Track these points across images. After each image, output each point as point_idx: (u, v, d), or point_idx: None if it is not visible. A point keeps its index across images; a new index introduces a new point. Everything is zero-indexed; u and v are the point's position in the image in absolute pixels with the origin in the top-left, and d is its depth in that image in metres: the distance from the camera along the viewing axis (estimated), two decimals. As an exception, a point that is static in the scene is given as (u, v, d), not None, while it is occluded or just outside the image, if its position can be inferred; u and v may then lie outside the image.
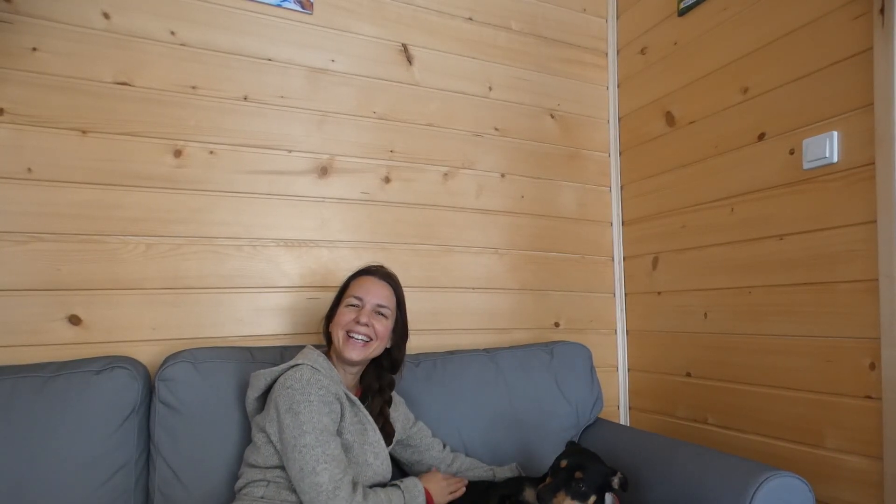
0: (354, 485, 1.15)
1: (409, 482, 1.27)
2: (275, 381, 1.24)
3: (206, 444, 1.33)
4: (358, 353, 1.29)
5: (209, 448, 1.33)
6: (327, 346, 1.37)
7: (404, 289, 1.42)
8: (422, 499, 1.26)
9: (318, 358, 1.27)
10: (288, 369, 1.22)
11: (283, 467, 1.18)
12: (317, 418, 1.14)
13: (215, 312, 1.60)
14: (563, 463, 1.24)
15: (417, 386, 1.57)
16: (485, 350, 1.78)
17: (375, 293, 1.33)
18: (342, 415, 1.23)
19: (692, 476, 1.34)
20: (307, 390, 1.16)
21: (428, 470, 1.44)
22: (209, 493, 1.31)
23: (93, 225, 1.49)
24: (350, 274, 1.40)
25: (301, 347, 1.40)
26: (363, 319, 1.29)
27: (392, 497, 1.20)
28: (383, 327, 1.33)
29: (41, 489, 1.19)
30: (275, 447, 1.19)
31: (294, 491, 1.16)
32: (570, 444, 1.38)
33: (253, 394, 1.27)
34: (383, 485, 1.29)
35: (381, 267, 1.41)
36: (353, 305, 1.32)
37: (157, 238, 1.55)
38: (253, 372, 1.30)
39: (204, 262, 1.60)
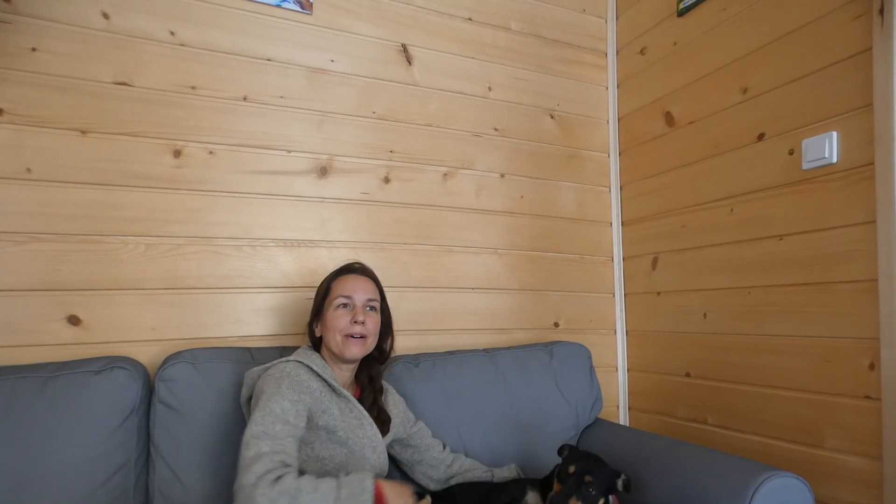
0: (286, 467, 1.04)
1: (355, 477, 1.08)
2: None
3: (205, 444, 1.33)
4: (358, 349, 1.31)
5: (209, 448, 1.33)
6: (315, 348, 1.37)
7: (404, 289, 1.42)
8: (367, 497, 1.04)
9: (311, 355, 1.29)
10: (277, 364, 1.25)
11: None
12: (275, 400, 1.14)
13: (215, 312, 1.60)
14: (572, 469, 1.23)
15: (417, 386, 1.57)
16: (484, 350, 1.78)
17: (363, 289, 1.34)
18: (327, 410, 1.23)
19: (692, 476, 1.34)
20: (280, 377, 1.19)
21: (429, 468, 1.45)
22: (209, 493, 1.31)
23: (92, 225, 1.49)
24: (328, 275, 1.38)
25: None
26: (359, 318, 1.30)
27: (320, 487, 1.03)
28: (375, 322, 1.35)
29: (41, 489, 1.18)
30: None
31: None
32: (570, 449, 1.36)
33: (246, 392, 1.28)
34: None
35: (359, 263, 1.41)
36: (343, 306, 1.31)
37: (157, 238, 1.55)
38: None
39: (203, 263, 1.60)
